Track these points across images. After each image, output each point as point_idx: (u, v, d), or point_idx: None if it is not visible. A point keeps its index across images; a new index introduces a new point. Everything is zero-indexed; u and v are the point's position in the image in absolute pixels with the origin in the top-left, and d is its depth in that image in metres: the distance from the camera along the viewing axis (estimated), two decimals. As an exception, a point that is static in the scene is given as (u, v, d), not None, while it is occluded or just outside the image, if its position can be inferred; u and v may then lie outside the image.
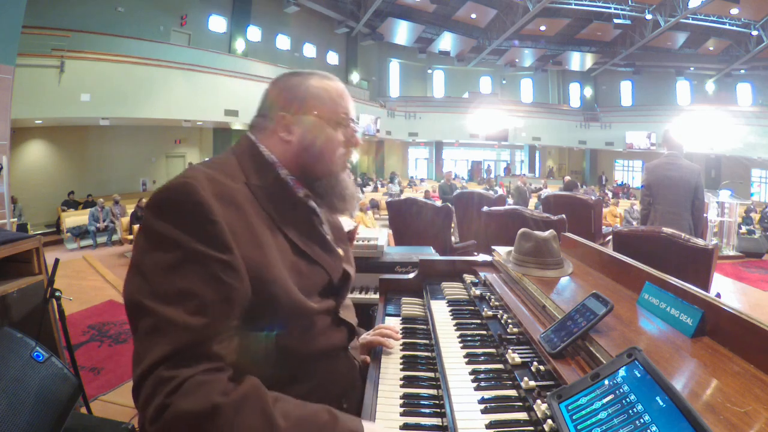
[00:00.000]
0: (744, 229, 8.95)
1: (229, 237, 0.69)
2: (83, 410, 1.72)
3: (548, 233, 1.33)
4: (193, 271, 0.66)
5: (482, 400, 0.79)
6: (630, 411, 0.56)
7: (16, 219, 6.90)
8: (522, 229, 1.36)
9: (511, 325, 1.04)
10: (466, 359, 0.95)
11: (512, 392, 0.81)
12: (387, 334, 1.10)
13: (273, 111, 0.88)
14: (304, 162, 0.87)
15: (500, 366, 0.91)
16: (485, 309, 1.16)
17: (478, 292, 1.30)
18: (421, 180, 19.24)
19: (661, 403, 0.54)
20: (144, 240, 0.70)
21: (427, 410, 0.84)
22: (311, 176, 0.88)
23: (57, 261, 1.61)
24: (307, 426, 0.69)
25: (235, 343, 0.71)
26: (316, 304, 0.84)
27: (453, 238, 4.55)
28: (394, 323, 1.25)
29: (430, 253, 2.36)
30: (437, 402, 0.86)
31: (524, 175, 18.43)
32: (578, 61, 21.11)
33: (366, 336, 1.13)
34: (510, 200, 8.69)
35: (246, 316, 0.73)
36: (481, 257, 1.58)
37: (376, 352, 1.08)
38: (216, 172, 0.76)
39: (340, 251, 0.96)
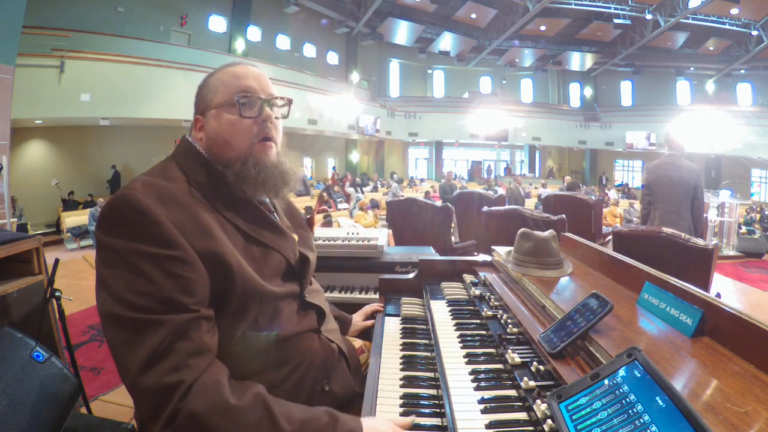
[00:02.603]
0: (744, 229, 8.95)
1: (175, 233, 0.71)
2: (83, 410, 1.72)
3: (548, 233, 1.33)
4: (149, 272, 0.69)
5: (482, 400, 0.79)
6: (630, 411, 0.56)
7: (16, 219, 6.90)
8: (522, 229, 1.36)
9: (510, 325, 1.03)
10: (466, 359, 0.95)
11: (512, 392, 0.81)
12: (374, 308, 1.32)
13: (193, 116, 0.91)
14: (215, 153, 0.88)
15: (500, 366, 0.91)
16: (485, 309, 1.16)
17: (477, 292, 1.30)
18: (421, 180, 19.23)
19: (661, 403, 0.54)
20: (100, 257, 0.73)
21: (427, 410, 0.84)
22: (226, 165, 0.87)
23: (57, 261, 1.60)
24: (309, 428, 0.72)
25: (215, 332, 0.75)
26: (277, 288, 0.86)
27: (453, 238, 4.55)
28: (394, 323, 1.25)
29: (430, 253, 2.36)
30: (437, 402, 0.86)
31: (524, 175, 18.41)
32: (578, 61, 21.10)
33: (358, 321, 1.31)
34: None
35: (214, 306, 0.76)
36: (481, 257, 1.58)
37: (376, 347, 1.08)
38: (155, 178, 0.79)
39: (295, 236, 0.98)
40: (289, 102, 0.94)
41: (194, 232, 0.75)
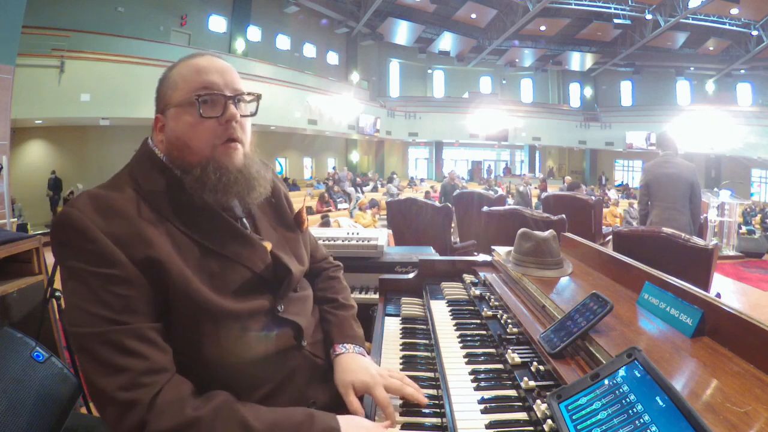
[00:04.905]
0: (744, 229, 8.95)
1: (113, 250, 0.69)
2: (83, 410, 1.72)
3: (548, 233, 1.33)
4: (91, 290, 0.68)
5: (482, 400, 0.79)
6: (630, 411, 0.56)
7: (16, 219, 6.89)
8: (522, 229, 1.36)
9: (510, 325, 1.03)
10: (466, 359, 0.95)
11: (512, 392, 0.81)
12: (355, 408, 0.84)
13: (154, 114, 0.84)
14: (176, 158, 0.81)
15: (500, 366, 0.91)
16: (485, 309, 1.16)
17: (477, 292, 1.30)
18: (421, 180, 19.22)
19: (661, 403, 0.54)
20: (59, 271, 0.73)
21: (427, 410, 0.84)
22: (186, 169, 0.80)
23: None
24: (282, 425, 0.71)
25: (166, 348, 0.72)
26: (239, 305, 0.78)
27: (453, 238, 4.55)
28: (394, 323, 1.25)
29: (430, 253, 2.36)
30: (437, 402, 0.86)
31: (524, 175, 18.38)
32: (578, 61, 21.10)
33: (345, 390, 0.86)
34: (510, 200, 8.68)
35: (167, 322, 0.74)
36: (481, 257, 1.58)
37: (376, 347, 1.08)
38: (102, 189, 0.76)
39: (268, 244, 0.87)
40: (258, 97, 0.86)
41: (133, 242, 0.71)
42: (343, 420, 0.75)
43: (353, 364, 0.89)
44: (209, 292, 0.75)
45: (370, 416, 0.81)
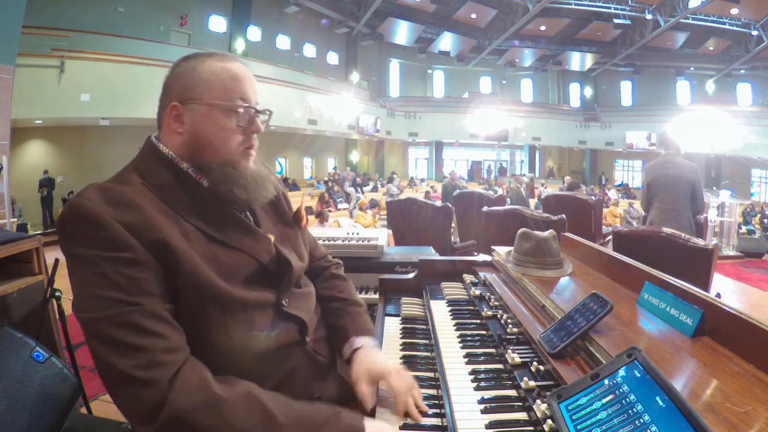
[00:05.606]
0: (744, 229, 8.95)
1: (125, 234, 0.70)
2: (83, 410, 1.72)
3: (548, 233, 1.33)
4: (104, 275, 0.68)
5: (482, 400, 0.79)
6: (630, 411, 0.56)
7: (16, 219, 6.90)
8: (522, 229, 1.36)
9: (510, 325, 1.03)
10: (466, 359, 0.95)
11: (512, 392, 0.81)
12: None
13: (165, 101, 0.85)
14: (195, 152, 0.83)
15: (500, 366, 0.91)
16: (485, 309, 1.16)
17: (477, 292, 1.30)
18: (421, 180, 19.22)
19: (661, 403, 0.54)
20: (67, 265, 0.73)
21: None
22: (205, 166, 0.83)
23: (57, 261, 1.60)
24: (307, 421, 0.71)
25: (180, 330, 0.73)
26: (245, 294, 0.81)
27: (453, 238, 4.55)
28: (394, 323, 1.25)
29: (430, 253, 2.36)
30: (437, 402, 0.86)
31: (524, 175, 18.35)
32: (578, 61, 21.10)
33: (360, 383, 0.88)
34: (507, 200, 8.68)
35: (178, 312, 0.74)
36: (481, 257, 1.58)
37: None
38: (109, 183, 0.78)
39: (271, 236, 0.91)
40: (270, 114, 0.92)
41: (144, 229, 0.72)
42: (368, 421, 0.76)
43: (371, 357, 0.93)
44: (217, 279, 0.77)
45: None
